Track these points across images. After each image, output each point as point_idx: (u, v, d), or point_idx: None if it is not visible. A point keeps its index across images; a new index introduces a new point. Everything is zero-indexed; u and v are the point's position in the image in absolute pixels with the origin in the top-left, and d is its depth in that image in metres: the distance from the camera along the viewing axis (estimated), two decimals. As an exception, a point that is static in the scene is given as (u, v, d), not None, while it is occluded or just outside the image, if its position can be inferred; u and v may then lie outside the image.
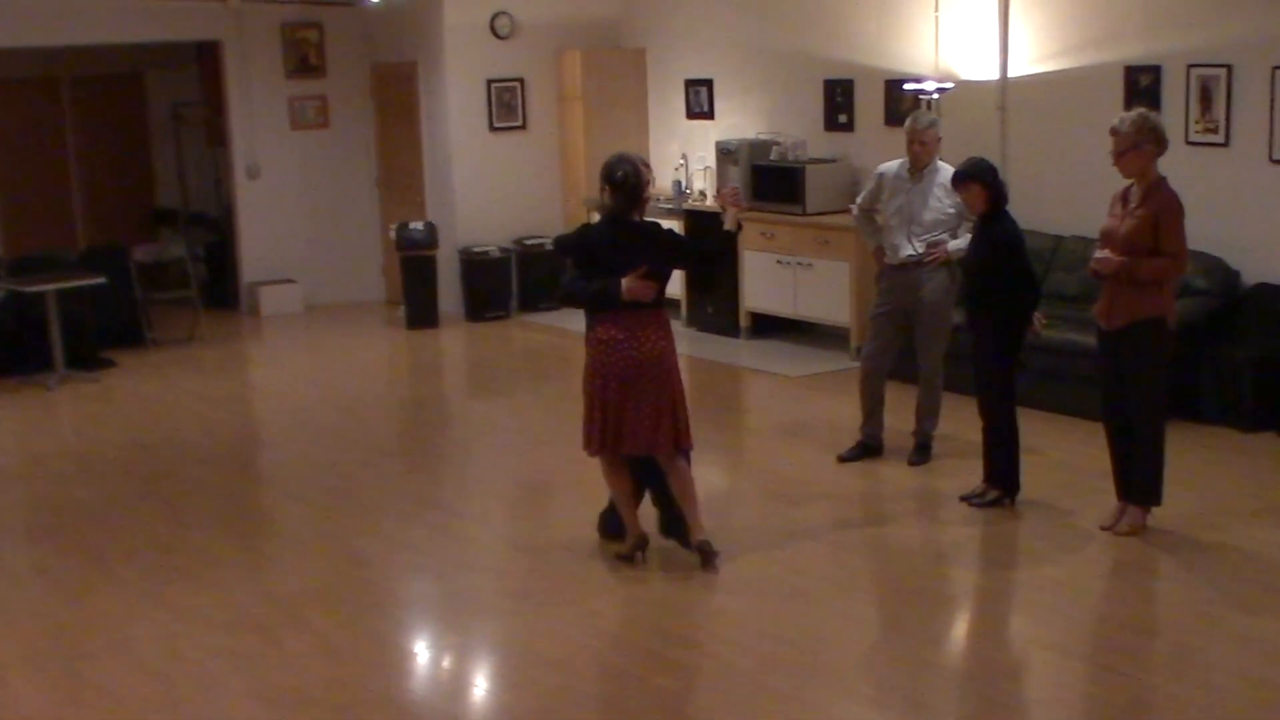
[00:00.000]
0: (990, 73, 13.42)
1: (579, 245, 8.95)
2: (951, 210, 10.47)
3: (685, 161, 16.39)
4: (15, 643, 8.15)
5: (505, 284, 17.16)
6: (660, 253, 8.73)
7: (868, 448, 10.90)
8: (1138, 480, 9.08)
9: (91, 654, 7.93)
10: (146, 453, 12.06)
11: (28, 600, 8.89)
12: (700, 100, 16.62)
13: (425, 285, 16.79)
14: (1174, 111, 11.79)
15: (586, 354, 8.78)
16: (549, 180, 17.51)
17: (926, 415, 10.85)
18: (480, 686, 7.72)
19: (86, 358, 14.96)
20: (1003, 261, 9.42)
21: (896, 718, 7.03)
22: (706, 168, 15.86)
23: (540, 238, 17.24)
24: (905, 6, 14.15)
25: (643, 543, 8.95)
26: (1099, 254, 8.90)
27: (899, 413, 11.04)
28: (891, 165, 10.81)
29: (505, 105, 17.17)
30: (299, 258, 18.15)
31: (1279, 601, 8.15)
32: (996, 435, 9.66)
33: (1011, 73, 13.33)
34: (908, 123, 10.72)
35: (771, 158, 14.99)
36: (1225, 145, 11.78)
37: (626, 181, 8.65)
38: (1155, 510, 9.15)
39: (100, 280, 14.75)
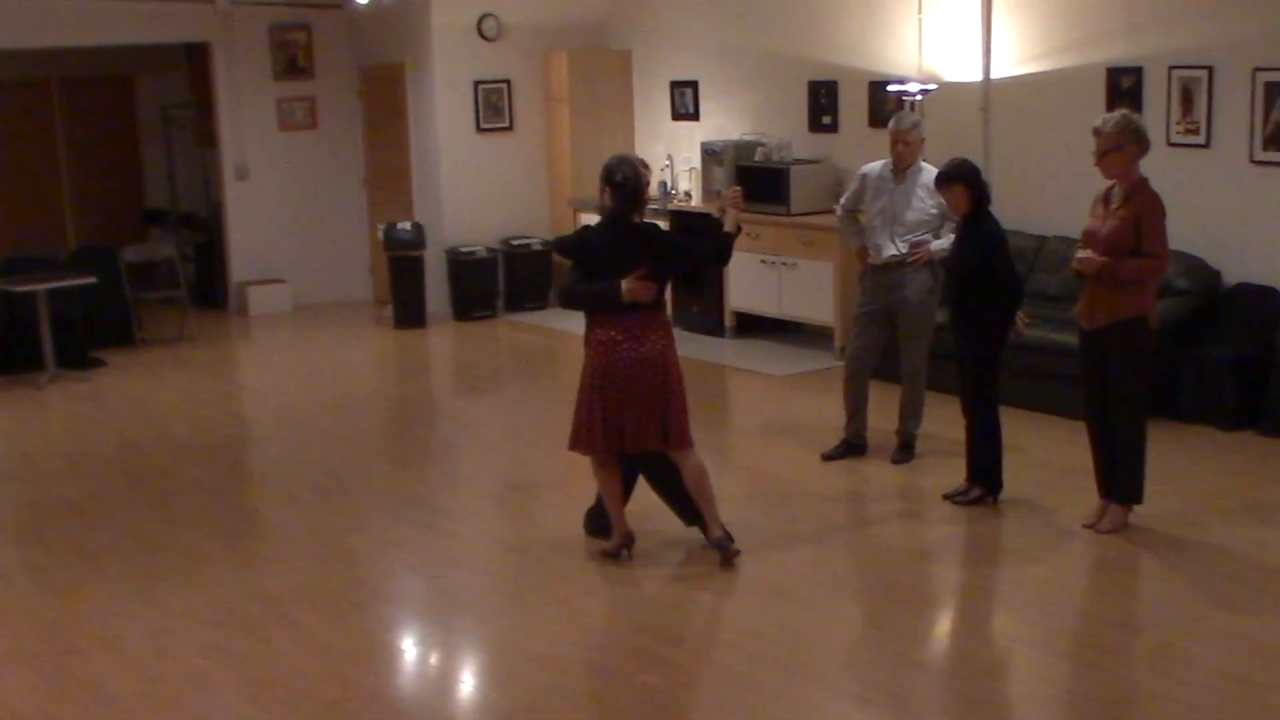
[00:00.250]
0: (973, 74, 13.47)
1: (579, 247, 8.95)
2: (934, 211, 10.51)
3: (671, 162, 16.43)
4: (5, 639, 8.18)
5: (492, 284, 17.21)
6: (660, 254, 8.73)
7: (852, 446, 10.94)
8: (1119, 478, 9.11)
9: (81, 651, 7.95)
10: (136, 451, 12.10)
11: (18, 597, 8.89)
12: (685, 101, 16.66)
13: (413, 285, 16.82)
14: (1155, 113, 11.85)
15: (586, 354, 8.79)
16: (536, 181, 17.56)
17: (910, 414, 10.88)
18: (467, 683, 7.75)
19: (76, 357, 14.98)
20: (986, 262, 9.44)
21: (881, 714, 7.06)
22: (692, 169, 15.90)
23: (527, 238, 17.30)
24: (889, 9, 14.18)
25: (629, 540, 8.97)
26: (1081, 254, 8.92)
27: (882, 412, 11.07)
28: (875, 166, 10.84)
29: (492, 106, 17.21)
30: (288, 258, 18.17)
31: (1259, 599, 8.19)
32: (979, 434, 9.70)
33: (994, 74, 13.37)
34: (891, 123, 10.76)
35: (756, 158, 15.02)
36: (1206, 146, 11.82)
37: (627, 183, 8.66)
38: (1137, 508, 9.18)
39: (90, 280, 14.78)
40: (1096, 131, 8.87)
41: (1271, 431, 11.03)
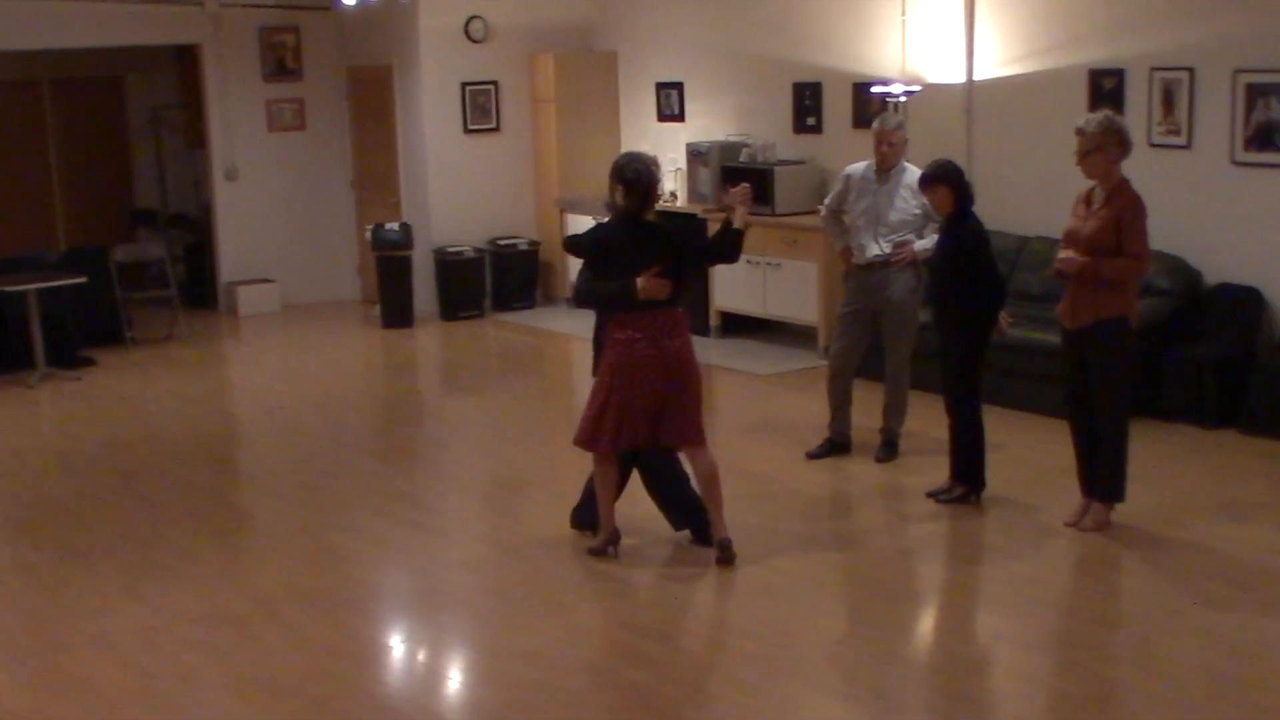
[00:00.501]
0: (956, 76, 13.50)
1: (593, 246, 8.89)
2: (918, 211, 10.55)
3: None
4: (-4, 636, 8.22)
5: (479, 284, 17.24)
6: (674, 251, 8.73)
7: (836, 445, 10.97)
8: (1101, 477, 9.14)
9: (70, 647, 7.98)
10: (125, 450, 12.11)
11: (7, 594, 8.92)
12: (671, 103, 16.70)
13: (400, 285, 16.85)
14: (1137, 114, 11.88)
15: (605, 355, 8.74)
16: (522, 181, 17.60)
17: (893, 413, 10.92)
18: (454, 680, 7.79)
19: (67, 356, 15.00)
20: (969, 261, 9.48)
21: (863, 710, 7.09)
22: (678, 169, 15.90)
23: (514, 238, 17.35)
24: (873, 11, 14.21)
25: (615, 537, 8.99)
26: (1063, 254, 8.95)
27: (866, 410, 11.11)
28: (859, 167, 10.88)
29: (479, 108, 17.25)
30: (276, 258, 18.18)
31: (1239, 596, 8.22)
32: (962, 432, 9.73)
33: (977, 76, 13.41)
34: (875, 124, 10.79)
35: (741, 159, 15.05)
36: (1187, 147, 11.87)
37: (640, 180, 8.68)
38: (1119, 506, 9.22)
39: (81, 280, 14.79)
40: (1079, 132, 8.91)
41: (1252, 430, 11.09)
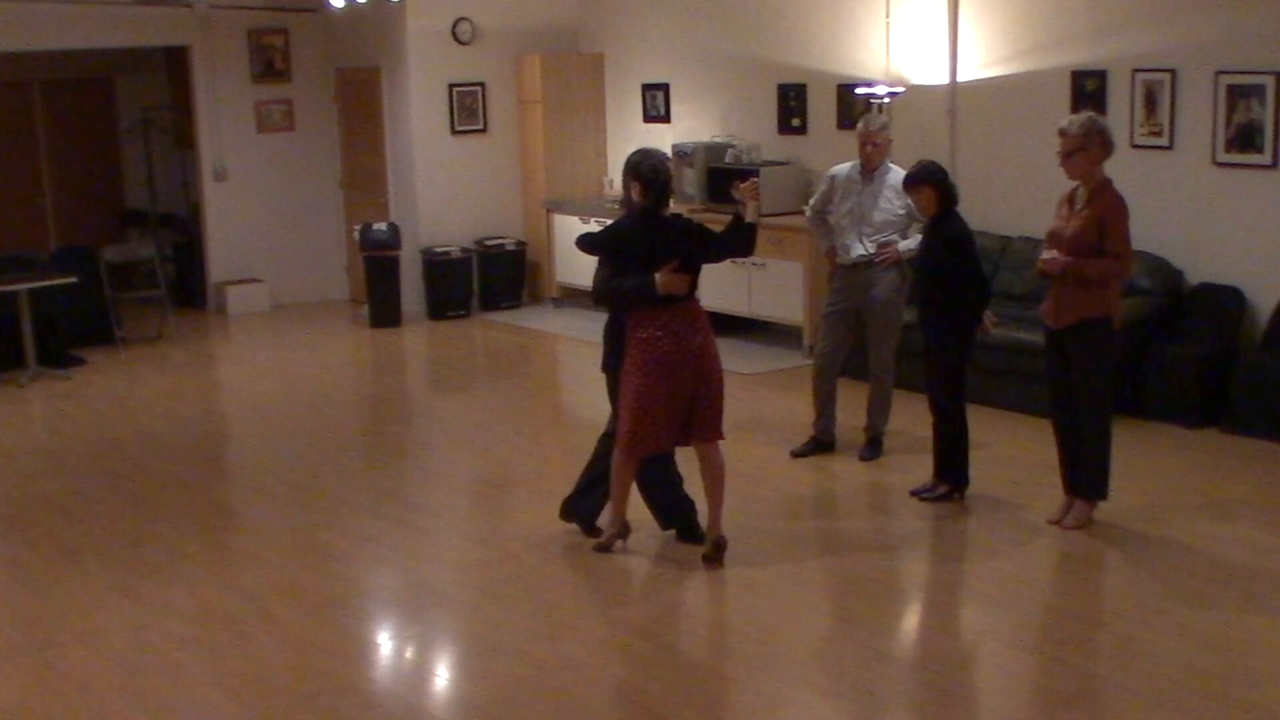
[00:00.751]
0: (940, 77, 13.55)
1: (611, 243, 8.84)
2: (902, 211, 10.60)
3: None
4: (-14, 633, 8.24)
5: (466, 283, 17.28)
6: (691, 246, 8.71)
7: (820, 443, 11.02)
8: (1084, 475, 9.18)
9: (61, 644, 8.01)
10: (115, 448, 12.14)
11: (-1, 592, 8.97)
12: (657, 104, 16.76)
13: (388, 285, 16.89)
14: (1119, 115, 11.94)
15: (628, 356, 8.69)
16: (509, 182, 17.64)
17: (877, 412, 10.95)
18: (441, 676, 7.80)
19: (57, 355, 15.04)
20: (953, 262, 9.53)
21: (848, 706, 7.12)
22: (665, 169, 15.94)
23: (501, 238, 17.39)
24: (857, 13, 14.27)
25: (626, 531, 9.03)
26: (1046, 254, 9.00)
27: (851, 409, 11.15)
28: (843, 167, 10.91)
29: (466, 109, 17.29)
30: (265, 258, 18.22)
31: (1221, 593, 8.26)
32: (946, 431, 9.78)
33: (961, 77, 13.46)
34: (860, 125, 10.84)
35: (726, 160, 15.08)
36: (1169, 148, 11.93)
37: (657, 176, 8.65)
38: (1101, 504, 9.28)
39: (71, 280, 14.83)
40: (1062, 133, 8.94)
41: (1233, 429, 11.15)
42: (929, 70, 13.64)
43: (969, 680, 7.46)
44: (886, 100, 13.38)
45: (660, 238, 8.64)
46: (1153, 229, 11.30)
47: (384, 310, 16.87)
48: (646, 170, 8.67)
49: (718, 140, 15.55)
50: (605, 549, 9.03)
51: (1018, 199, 12.84)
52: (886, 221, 10.69)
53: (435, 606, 8.62)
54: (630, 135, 16.88)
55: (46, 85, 19.59)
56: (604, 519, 9.21)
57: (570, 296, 17.07)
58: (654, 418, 8.62)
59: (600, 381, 9.24)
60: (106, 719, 7.21)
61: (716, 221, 14.16)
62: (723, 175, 14.55)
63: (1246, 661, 7.42)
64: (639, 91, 16.97)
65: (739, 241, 8.96)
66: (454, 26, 17.09)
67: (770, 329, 14.89)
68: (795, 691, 7.26)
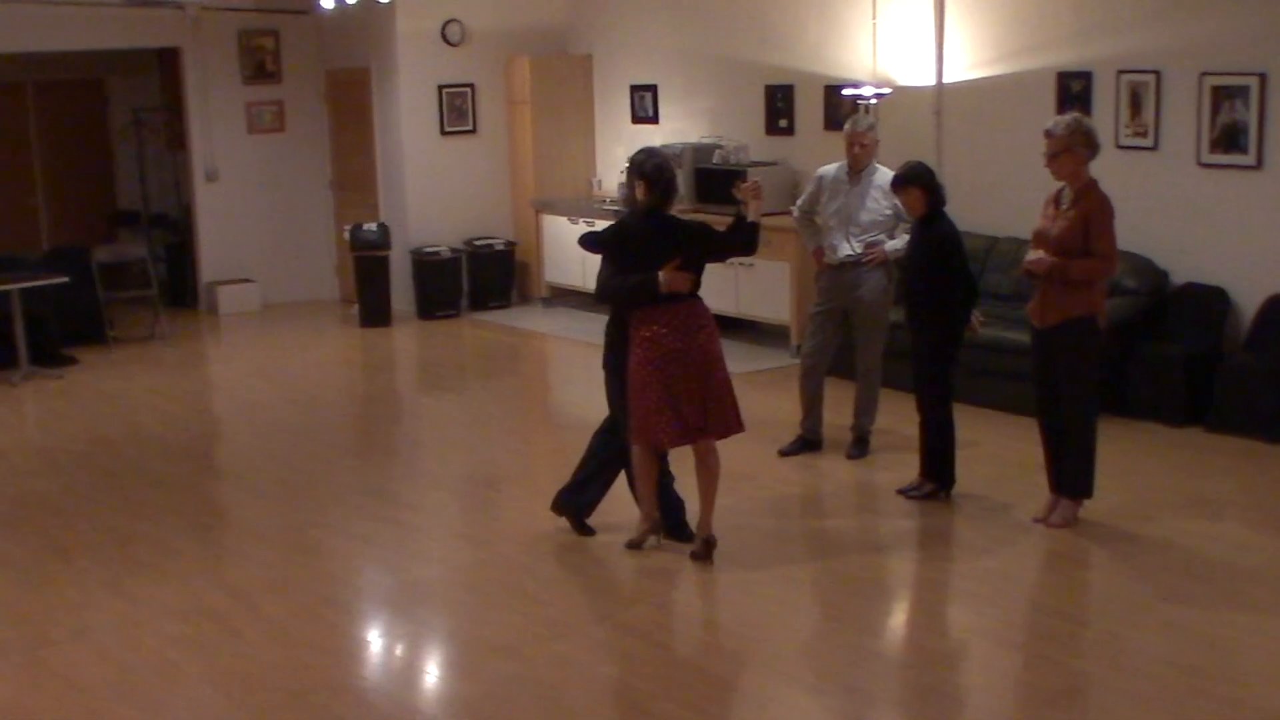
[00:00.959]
0: (926, 78, 13.58)
1: (614, 241, 8.87)
2: (889, 212, 10.63)
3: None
4: (-22, 632, 8.25)
5: (456, 283, 17.29)
6: (695, 245, 8.73)
7: (807, 442, 11.04)
8: (1069, 473, 9.22)
9: (52, 642, 8.03)
10: (107, 447, 12.14)
11: (-10, 590, 8.98)
12: (645, 105, 16.79)
13: (378, 284, 16.90)
14: (1105, 116, 11.98)
15: (632, 355, 8.69)
16: (498, 183, 17.66)
17: (864, 411, 10.98)
18: (432, 674, 7.83)
19: (49, 355, 15.05)
20: (940, 262, 9.56)
21: (835, 704, 7.17)
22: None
23: (490, 238, 17.42)
24: (844, 14, 14.29)
25: (658, 527, 9.04)
26: (1032, 255, 9.03)
27: (838, 408, 11.17)
28: (831, 168, 10.94)
29: (456, 110, 17.32)
30: (256, 258, 18.24)
31: (1205, 590, 8.30)
32: (933, 430, 9.80)
33: (947, 78, 13.49)
34: (847, 126, 10.86)
35: (714, 161, 15.09)
36: (1154, 149, 11.97)
37: (661, 175, 8.69)
38: (1087, 503, 9.30)
39: (63, 280, 14.84)
40: (1048, 134, 8.97)
41: (1217, 428, 11.18)
42: (915, 71, 13.67)
43: (955, 678, 7.48)
44: (873, 101, 13.39)
45: (663, 236, 8.67)
46: (1138, 229, 11.32)
47: (374, 310, 16.89)
48: (651, 169, 8.72)
49: (706, 141, 15.56)
50: (636, 546, 9.03)
51: (1004, 199, 12.84)
52: (874, 222, 10.72)
53: (425, 603, 8.64)
54: (619, 136, 16.95)
55: (39, 86, 19.60)
56: (599, 513, 9.27)
57: (559, 296, 17.12)
58: (660, 412, 8.62)
59: (591, 380, 9.28)
60: (98, 716, 7.22)
61: (704, 222, 14.40)
62: (711, 176, 14.60)
63: (1231, 658, 7.47)
64: (627, 92, 16.99)
65: (742, 240, 8.98)
66: (443, 28, 17.12)
67: (757, 328, 14.89)
68: (783, 689, 7.29)
